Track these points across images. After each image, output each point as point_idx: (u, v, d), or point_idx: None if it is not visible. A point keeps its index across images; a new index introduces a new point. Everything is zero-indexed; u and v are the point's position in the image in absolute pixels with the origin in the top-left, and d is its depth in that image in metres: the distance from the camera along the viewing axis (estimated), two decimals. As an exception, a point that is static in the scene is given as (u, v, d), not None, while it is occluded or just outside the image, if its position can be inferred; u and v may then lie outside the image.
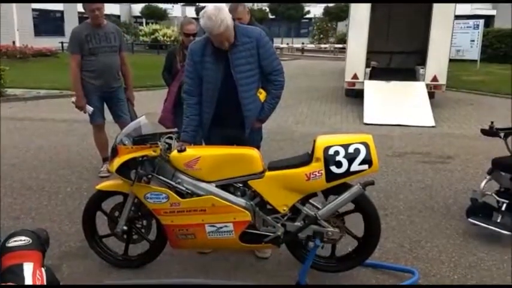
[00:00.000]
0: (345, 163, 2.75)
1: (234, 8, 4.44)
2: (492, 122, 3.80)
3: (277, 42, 31.36)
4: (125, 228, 3.09)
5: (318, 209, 2.92)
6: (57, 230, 3.78)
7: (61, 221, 3.96)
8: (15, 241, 1.88)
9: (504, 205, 3.61)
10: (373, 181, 2.82)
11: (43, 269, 1.83)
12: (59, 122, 8.13)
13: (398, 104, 8.90)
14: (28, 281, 1.72)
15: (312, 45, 32.46)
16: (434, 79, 9.58)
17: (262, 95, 3.22)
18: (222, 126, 3.24)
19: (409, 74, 10.27)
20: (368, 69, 10.11)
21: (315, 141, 2.85)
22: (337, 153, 2.75)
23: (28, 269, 1.76)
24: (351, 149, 2.76)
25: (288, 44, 31.81)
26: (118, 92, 5.09)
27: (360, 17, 9.78)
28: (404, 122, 8.32)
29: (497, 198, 3.67)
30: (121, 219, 3.07)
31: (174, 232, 2.96)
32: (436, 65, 9.52)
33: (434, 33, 9.45)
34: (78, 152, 6.16)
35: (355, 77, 9.98)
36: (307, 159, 2.84)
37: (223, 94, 3.12)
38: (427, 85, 9.56)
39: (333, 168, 2.75)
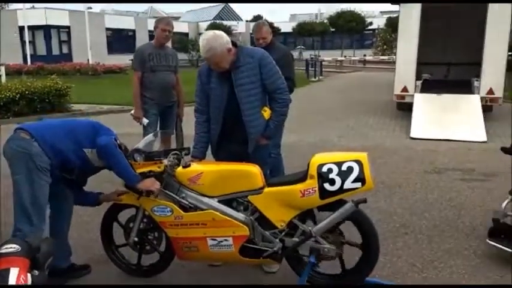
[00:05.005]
0: (338, 181, 2.78)
1: (259, 28, 4.64)
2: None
3: (336, 55, 31.16)
4: (136, 239, 3.28)
5: (316, 225, 2.96)
6: (87, 238, 4.07)
7: (90, 230, 4.25)
8: (6, 248, 2.13)
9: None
10: (365, 199, 2.82)
11: (28, 274, 2.05)
12: (114, 136, 8.66)
13: (449, 118, 8.55)
14: (12, 283, 1.95)
15: (371, 57, 32.00)
16: (490, 92, 9.12)
17: (266, 112, 3.31)
18: (228, 143, 3.37)
19: (465, 87, 9.81)
20: (419, 82, 9.81)
21: (311, 158, 2.90)
22: (330, 170, 2.79)
23: (14, 273, 1.99)
24: (344, 167, 2.78)
25: (345, 56, 31.59)
26: (172, 108, 5.43)
27: (408, 27, 9.55)
28: (453, 136, 7.99)
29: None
30: (132, 230, 3.27)
31: (179, 244, 3.12)
32: (492, 77, 9.08)
33: (489, 43, 9.02)
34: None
35: (404, 89, 9.72)
36: (303, 176, 2.90)
37: (229, 112, 3.27)
38: (482, 98, 9.12)
39: (327, 186, 2.79)
